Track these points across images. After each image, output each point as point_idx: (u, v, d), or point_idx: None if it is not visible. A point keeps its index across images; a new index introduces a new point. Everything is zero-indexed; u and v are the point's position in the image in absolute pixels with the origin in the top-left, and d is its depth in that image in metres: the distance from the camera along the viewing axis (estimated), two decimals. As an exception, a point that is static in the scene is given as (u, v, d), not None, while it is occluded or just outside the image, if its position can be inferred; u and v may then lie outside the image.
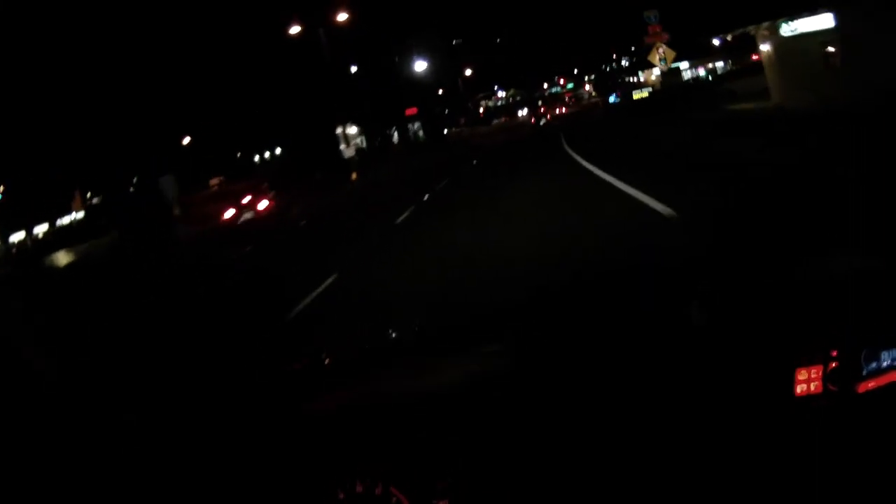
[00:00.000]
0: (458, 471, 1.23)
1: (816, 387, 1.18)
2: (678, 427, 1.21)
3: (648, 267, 2.64)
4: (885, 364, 1.20)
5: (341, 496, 1.24)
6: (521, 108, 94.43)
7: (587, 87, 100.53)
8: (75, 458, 1.26)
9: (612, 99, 62.98)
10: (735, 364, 1.23)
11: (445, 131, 79.99)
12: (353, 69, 53.42)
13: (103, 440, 1.31)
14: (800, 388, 1.18)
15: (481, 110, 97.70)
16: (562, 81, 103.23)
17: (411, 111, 70.26)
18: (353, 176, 31.87)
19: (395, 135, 71.93)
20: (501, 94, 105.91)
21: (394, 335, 2.14)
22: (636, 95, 44.04)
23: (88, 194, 51.79)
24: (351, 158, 32.99)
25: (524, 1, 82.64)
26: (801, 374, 1.18)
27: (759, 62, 44.86)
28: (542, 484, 1.21)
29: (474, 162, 27.20)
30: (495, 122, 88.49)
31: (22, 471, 1.20)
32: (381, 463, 1.26)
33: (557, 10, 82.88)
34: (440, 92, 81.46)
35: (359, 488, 1.24)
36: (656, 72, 59.53)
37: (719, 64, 45.56)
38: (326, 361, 1.75)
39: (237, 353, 5.19)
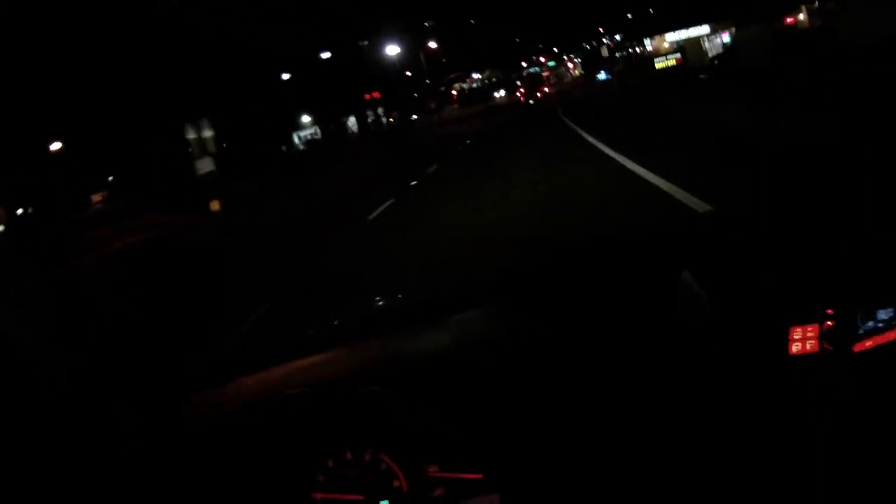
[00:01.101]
0: (447, 435, 1.21)
1: (812, 346, 1.17)
2: (673, 392, 1.20)
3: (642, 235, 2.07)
4: (881, 323, 1.18)
5: (330, 464, 1.24)
6: (498, 90, 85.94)
7: (569, 65, 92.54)
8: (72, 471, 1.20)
9: (602, 76, 56.91)
10: (728, 323, 1.21)
11: (415, 117, 71.73)
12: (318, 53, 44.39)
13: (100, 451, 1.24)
14: (795, 348, 1.17)
15: (454, 93, 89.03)
16: (542, 60, 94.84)
17: (372, 96, 61.59)
18: (215, 206, 19.43)
19: (355, 123, 63.09)
20: (477, 75, 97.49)
21: (380, 303, 2.04)
22: (659, 65, 36.07)
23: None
24: (209, 175, 19.01)
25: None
26: (796, 333, 1.17)
27: (793, 25, 37.95)
28: (533, 446, 1.20)
29: (419, 178, 15.52)
30: (448, 109, 77.55)
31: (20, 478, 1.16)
32: (368, 430, 1.25)
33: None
34: (408, 75, 73.23)
35: (348, 456, 1.23)
36: (670, 37, 51.41)
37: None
38: (299, 337, 1.74)
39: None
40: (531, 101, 50.15)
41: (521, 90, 63.43)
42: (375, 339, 1.43)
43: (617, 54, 64.91)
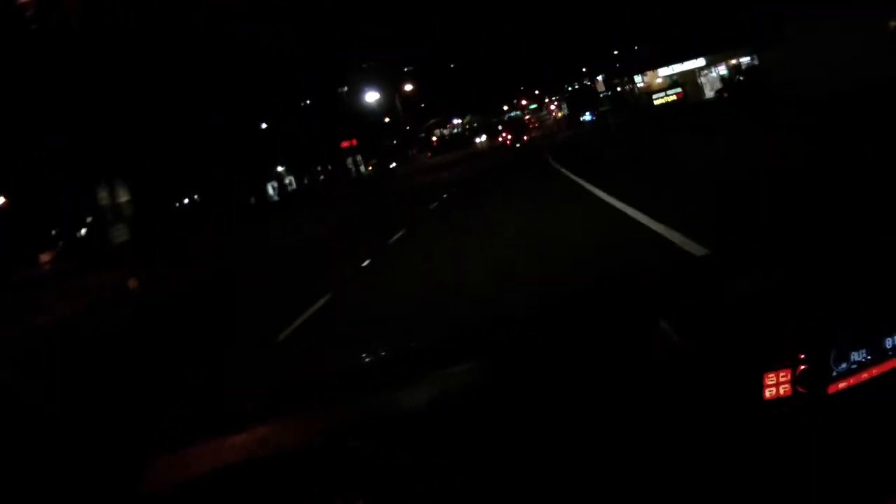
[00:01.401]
0: (434, 484, 1.22)
1: (786, 391, 1.16)
2: (651, 439, 1.19)
3: (618, 283, 2.13)
4: (854, 364, 1.17)
5: None
6: (479, 134, 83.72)
7: (552, 107, 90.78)
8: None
9: (586, 117, 55.13)
10: (704, 371, 1.20)
11: (394, 165, 69.17)
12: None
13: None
14: (769, 393, 1.16)
15: (434, 140, 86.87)
16: (523, 103, 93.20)
17: (348, 144, 58.91)
18: (133, 284, 15.94)
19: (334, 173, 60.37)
20: (457, 121, 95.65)
21: (366, 360, 2.00)
22: (657, 101, 33.68)
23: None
24: (125, 244, 15.49)
25: (480, 21, 72.13)
26: (770, 378, 1.16)
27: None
28: (515, 494, 1.21)
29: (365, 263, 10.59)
30: (422, 157, 73.04)
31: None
32: (356, 482, 1.25)
33: (516, 28, 73.29)
34: (387, 121, 70.91)
35: None
36: (663, 72, 49.04)
37: (744, 59, 34.52)
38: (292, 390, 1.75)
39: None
40: (517, 146, 49.12)
41: (506, 135, 61.80)
42: (360, 393, 1.43)
43: (601, 94, 62.96)
